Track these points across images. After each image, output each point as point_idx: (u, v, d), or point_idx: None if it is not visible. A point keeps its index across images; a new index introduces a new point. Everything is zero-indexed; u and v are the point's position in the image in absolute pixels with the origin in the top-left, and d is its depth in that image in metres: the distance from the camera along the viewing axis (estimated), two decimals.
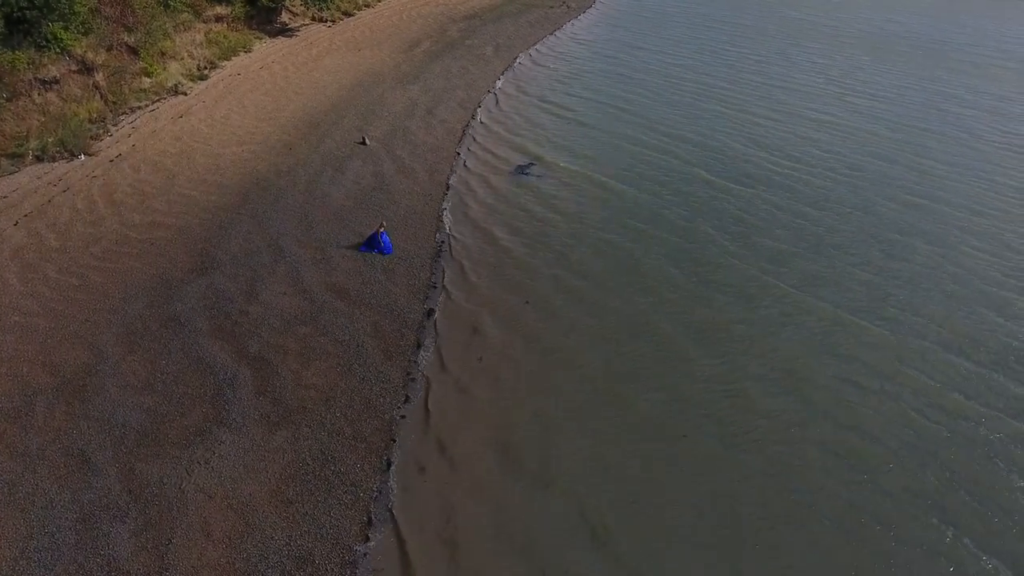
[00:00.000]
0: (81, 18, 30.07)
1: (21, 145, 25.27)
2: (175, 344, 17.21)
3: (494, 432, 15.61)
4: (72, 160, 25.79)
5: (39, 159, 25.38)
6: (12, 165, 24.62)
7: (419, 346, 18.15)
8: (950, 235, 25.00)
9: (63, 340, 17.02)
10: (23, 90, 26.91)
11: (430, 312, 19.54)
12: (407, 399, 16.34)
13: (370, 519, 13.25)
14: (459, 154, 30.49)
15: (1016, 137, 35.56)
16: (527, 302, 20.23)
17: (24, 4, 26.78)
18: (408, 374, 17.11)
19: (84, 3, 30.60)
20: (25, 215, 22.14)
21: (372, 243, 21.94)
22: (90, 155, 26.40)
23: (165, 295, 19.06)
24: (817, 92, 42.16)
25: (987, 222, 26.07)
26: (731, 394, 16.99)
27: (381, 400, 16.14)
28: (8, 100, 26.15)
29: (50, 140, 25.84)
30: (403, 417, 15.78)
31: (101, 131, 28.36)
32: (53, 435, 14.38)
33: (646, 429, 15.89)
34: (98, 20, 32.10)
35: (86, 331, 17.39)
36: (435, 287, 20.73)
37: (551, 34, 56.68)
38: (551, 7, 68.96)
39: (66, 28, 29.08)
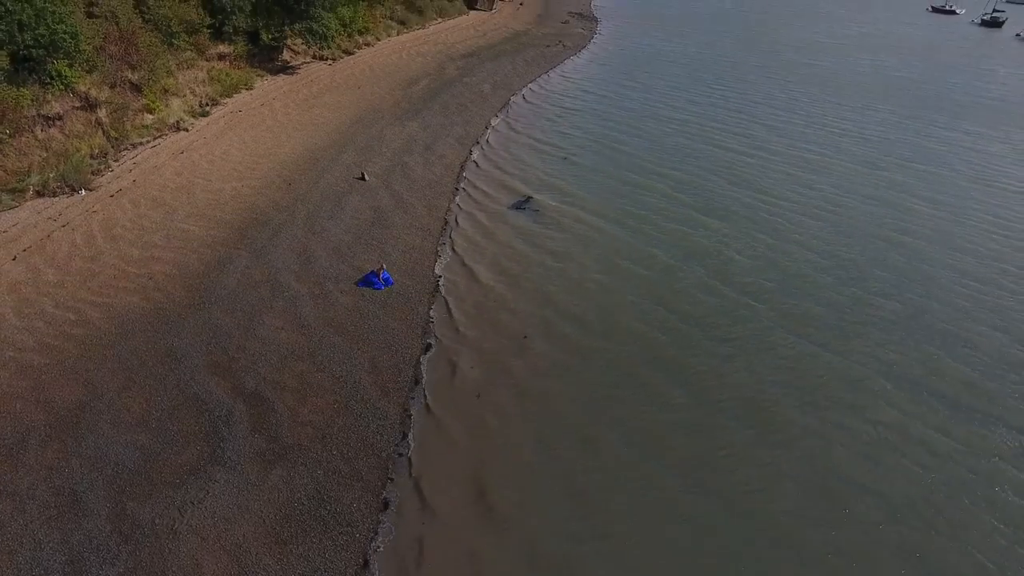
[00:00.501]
0: (86, 56, 30.57)
1: (22, 180, 25.43)
2: (171, 380, 17.09)
3: (483, 476, 15.36)
4: (73, 195, 25.93)
5: (40, 194, 25.51)
6: (12, 200, 24.72)
7: (416, 382, 18.07)
8: (939, 275, 25.04)
9: (58, 376, 16.88)
10: (26, 126, 27.18)
11: (428, 347, 19.50)
12: (404, 436, 16.20)
13: (366, 561, 13.01)
14: (457, 189, 30.80)
15: (998, 174, 36.16)
16: (525, 337, 20.23)
17: (30, 43, 27.23)
18: (405, 411, 16.99)
19: (90, 42, 31.14)
20: (24, 250, 22.15)
21: (371, 279, 22.02)
22: (91, 190, 26.55)
23: (162, 330, 18.99)
24: (802, 131, 42.81)
25: (974, 260, 26.15)
26: (721, 446, 16.55)
27: (378, 438, 16.00)
28: (11, 136, 26.39)
29: (51, 175, 26.02)
30: (400, 455, 15.62)
31: (102, 166, 28.59)
32: (44, 473, 14.16)
33: (632, 479, 15.54)
34: (102, 58, 32.62)
35: (81, 367, 17.27)
36: (432, 322, 20.73)
37: (547, 72, 57.82)
38: (547, 46, 70.51)
39: (71, 66, 29.54)
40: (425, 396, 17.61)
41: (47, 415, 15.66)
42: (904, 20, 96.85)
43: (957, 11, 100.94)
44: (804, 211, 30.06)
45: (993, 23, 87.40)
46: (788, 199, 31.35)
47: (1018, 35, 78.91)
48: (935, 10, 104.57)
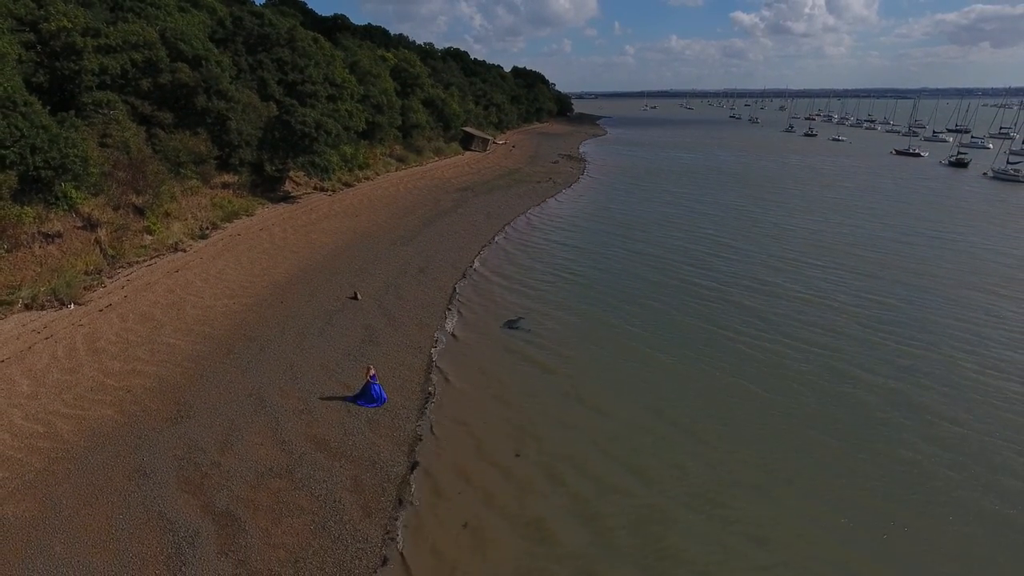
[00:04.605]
0: (94, 180, 31.71)
1: (12, 293, 25.32)
2: (136, 497, 15.89)
3: None
4: (61, 309, 25.72)
5: (28, 307, 25.30)
6: None
7: (400, 502, 16.88)
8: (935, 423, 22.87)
9: (13, 491, 15.69)
10: (25, 242, 27.56)
11: (415, 466, 18.46)
12: (385, 561, 14.83)
13: None
14: (449, 309, 30.83)
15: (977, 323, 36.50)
16: (517, 455, 19.25)
17: (40, 164, 28.30)
18: (388, 533, 15.69)
19: (98, 167, 32.45)
20: (1, 360, 21.53)
21: (364, 394, 21.25)
22: (80, 304, 26.39)
23: (133, 445, 17.98)
24: (762, 266, 43.05)
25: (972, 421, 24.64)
26: None
27: (356, 563, 14.62)
28: (8, 251, 26.66)
29: (42, 289, 25.97)
30: None
31: (96, 282, 28.66)
32: None
33: None
34: (110, 183, 33.86)
35: (42, 482, 16.12)
36: (421, 439, 19.80)
37: (538, 205, 60.37)
38: (538, 182, 74.34)
39: (77, 188, 30.54)
40: (419, 516, 16.30)
41: None
42: (878, 163, 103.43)
43: (921, 153, 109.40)
44: (771, 360, 26.26)
45: (959, 164, 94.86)
46: (752, 346, 27.86)
47: (984, 174, 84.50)
48: (899, 152, 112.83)
